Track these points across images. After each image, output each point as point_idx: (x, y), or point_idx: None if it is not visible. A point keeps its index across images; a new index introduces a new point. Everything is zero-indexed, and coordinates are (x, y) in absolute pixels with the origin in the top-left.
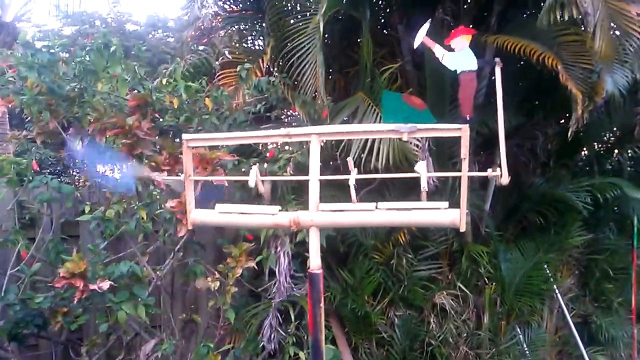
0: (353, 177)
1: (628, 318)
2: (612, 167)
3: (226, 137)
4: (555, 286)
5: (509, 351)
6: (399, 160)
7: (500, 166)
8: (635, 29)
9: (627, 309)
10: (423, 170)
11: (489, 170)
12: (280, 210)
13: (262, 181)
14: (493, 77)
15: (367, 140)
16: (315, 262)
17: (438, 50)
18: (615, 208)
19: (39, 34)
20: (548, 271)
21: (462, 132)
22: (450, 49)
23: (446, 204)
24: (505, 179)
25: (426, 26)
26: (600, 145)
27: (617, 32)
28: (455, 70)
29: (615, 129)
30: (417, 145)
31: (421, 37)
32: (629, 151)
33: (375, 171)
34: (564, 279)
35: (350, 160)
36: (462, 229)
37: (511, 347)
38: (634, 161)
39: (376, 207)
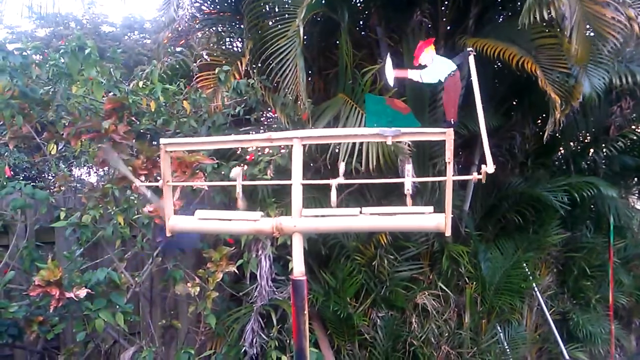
0: (336, 181)
1: (605, 314)
2: (588, 166)
3: (205, 141)
4: (534, 284)
5: (490, 349)
6: (389, 163)
7: (484, 158)
8: (611, 32)
9: (604, 305)
10: (409, 173)
11: (474, 173)
12: (262, 216)
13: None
14: (470, 78)
15: (354, 143)
16: (298, 268)
17: (413, 74)
18: (592, 206)
19: (11, 35)
20: (527, 270)
21: (447, 136)
22: (422, 66)
23: (431, 208)
24: (490, 168)
25: (389, 61)
26: (576, 145)
27: (592, 34)
28: (440, 80)
29: (590, 128)
30: (409, 147)
31: (391, 73)
32: (604, 150)
33: (356, 173)
34: (542, 277)
35: (341, 165)
36: (448, 233)
37: (492, 346)
38: (609, 160)
39: (360, 212)
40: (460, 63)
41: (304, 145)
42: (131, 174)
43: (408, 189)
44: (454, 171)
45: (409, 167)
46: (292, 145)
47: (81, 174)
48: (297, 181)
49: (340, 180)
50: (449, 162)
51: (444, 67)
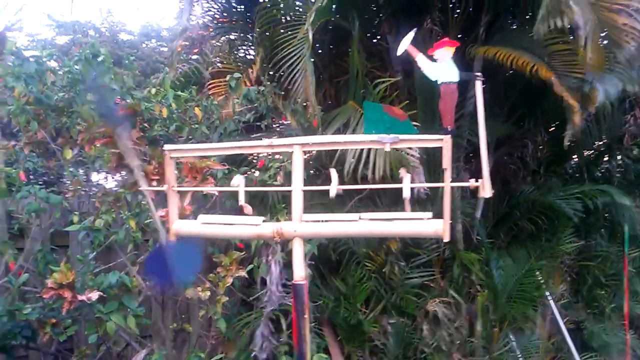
0: (334, 187)
1: (621, 324)
2: (601, 174)
3: (208, 147)
4: (547, 293)
5: (502, 358)
6: (394, 171)
7: (482, 179)
8: (625, 39)
9: (619, 315)
10: (407, 179)
11: (472, 180)
12: (264, 221)
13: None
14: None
15: (362, 150)
16: (299, 273)
17: (420, 60)
18: (606, 215)
19: (31, 43)
20: (540, 278)
21: (444, 142)
22: (433, 59)
23: (430, 214)
24: (488, 193)
25: (411, 34)
26: (589, 153)
27: (606, 42)
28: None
29: (604, 136)
30: (414, 155)
31: (405, 44)
32: (618, 159)
33: (364, 180)
34: (556, 285)
35: (333, 172)
36: (446, 238)
37: (504, 354)
38: (623, 168)
39: (359, 218)
40: (464, 81)
41: (311, 152)
42: (142, 177)
43: (406, 195)
44: (465, 179)
45: (403, 174)
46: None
47: (98, 180)
48: (297, 187)
49: (342, 186)
50: (447, 169)
51: (448, 73)
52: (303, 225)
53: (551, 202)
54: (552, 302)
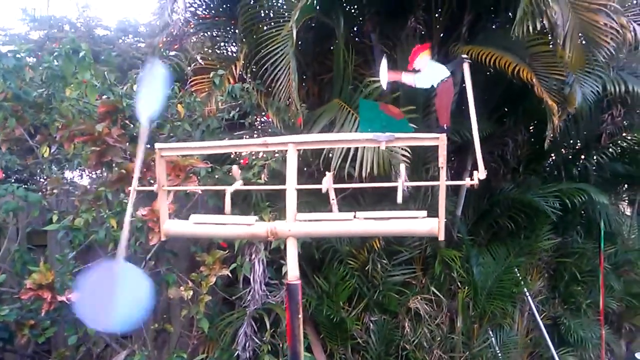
0: (325, 185)
1: (596, 319)
2: (579, 172)
3: (201, 146)
4: (525, 289)
5: (482, 354)
6: (383, 170)
7: (476, 164)
8: (605, 39)
9: (595, 310)
10: (402, 175)
11: (467, 179)
12: (256, 220)
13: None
14: (463, 84)
15: (349, 148)
16: (293, 272)
17: (407, 78)
18: (582, 212)
19: (4, 38)
20: (519, 274)
21: (440, 141)
22: (417, 71)
23: (424, 213)
24: (482, 174)
25: (384, 64)
26: (567, 152)
27: (585, 42)
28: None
29: (582, 135)
30: (404, 155)
31: (385, 75)
32: (595, 157)
33: (350, 178)
34: (534, 282)
35: (329, 176)
36: (441, 237)
37: (484, 350)
38: (599, 167)
39: (354, 217)
40: (454, 70)
41: (298, 150)
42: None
43: (404, 189)
44: (447, 177)
45: (402, 170)
46: (286, 150)
47: (73, 177)
48: (291, 186)
49: (334, 185)
50: (442, 167)
51: (437, 73)
52: (297, 225)
53: (530, 200)
54: (530, 298)
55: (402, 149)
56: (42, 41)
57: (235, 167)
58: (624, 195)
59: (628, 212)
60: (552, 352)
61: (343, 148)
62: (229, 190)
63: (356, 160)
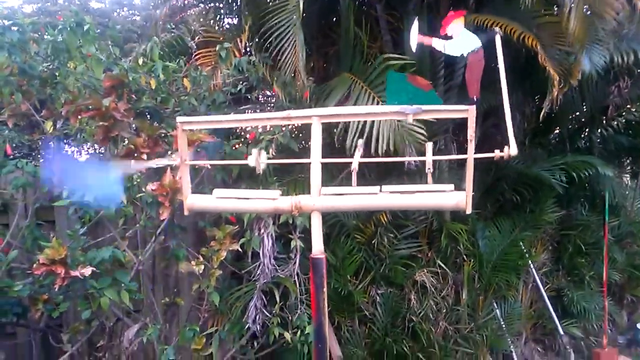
0: (357, 160)
1: (599, 291)
2: (585, 145)
3: (222, 119)
4: (530, 262)
5: (487, 325)
6: (398, 145)
7: (508, 140)
8: (610, 12)
9: (598, 282)
10: (429, 152)
11: (496, 151)
12: (280, 194)
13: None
14: (494, 64)
15: (364, 124)
16: (317, 247)
17: (437, 43)
18: (587, 185)
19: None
20: (523, 247)
21: (469, 113)
22: (448, 38)
23: (451, 186)
24: (513, 149)
25: (416, 25)
26: (573, 124)
27: (590, 12)
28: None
29: (588, 108)
30: (421, 133)
31: (415, 37)
32: (599, 130)
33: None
34: (538, 254)
35: (360, 144)
36: (468, 211)
37: (489, 322)
38: (604, 139)
39: (380, 191)
40: (485, 42)
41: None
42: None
43: (429, 168)
44: (452, 150)
45: (428, 146)
46: (293, 124)
47: (72, 152)
48: (316, 160)
49: (361, 159)
50: (471, 140)
51: (468, 42)
52: (322, 199)
53: (536, 174)
54: (534, 271)
55: (415, 125)
56: (36, 14)
57: (360, 142)
58: (627, 168)
59: (631, 185)
60: (556, 323)
61: (359, 123)
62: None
63: (372, 136)
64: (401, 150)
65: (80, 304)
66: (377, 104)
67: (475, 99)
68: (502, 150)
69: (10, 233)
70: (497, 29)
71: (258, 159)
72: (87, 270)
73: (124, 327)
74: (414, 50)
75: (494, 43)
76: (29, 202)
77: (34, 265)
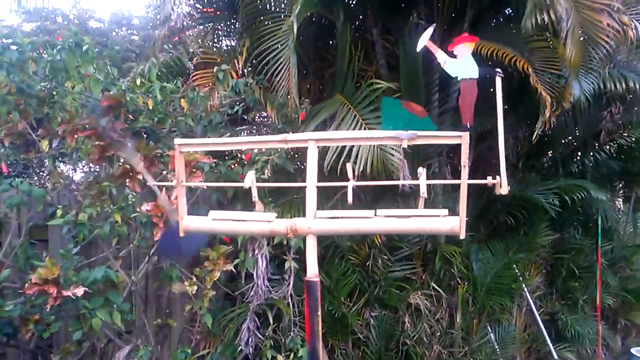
0: (351, 183)
1: (593, 315)
2: (577, 169)
3: (220, 142)
4: (524, 285)
5: (481, 349)
6: (376, 167)
7: (500, 176)
8: (604, 39)
9: (592, 306)
10: (423, 176)
11: (489, 178)
12: (276, 217)
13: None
14: (492, 89)
15: (344, 146)
16: (312, 269)
17: (440, 56)
18: (580, 209)
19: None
20: (517, 270)
21: (463, 139)
22: (453, 55)
23: (445, 211)
24: (504, 189)
25: (430, 30)
26: (565, 148)
27: (586, 38)
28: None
29: (580, 132)
30: (399, 155)
31: (424, 40)
32: (592, 154)
33: (343, 175)
34: (532, 277)
35: (349, 166)
36: (462, 236)
37: (483, 345)
38: (596, 164)
39: (375, 215)
40: (482, 76)
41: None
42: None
43: (423, 192)
44: (446, 173)
45: (422, 171)
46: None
47: (67, 170)
48: (312, 183)
49: (356, 182)
50: (464, 166)
51: (468, 69)
52: (317, 222)
53: (529, 197)
54: (528, 294)
55: (392, 148)
56: (35, 33)
57: (249, 175)
58: (619, 192)
59: (624, 209)
60: (550, 347)
61: (338, 146)
62: (254, 187)
63: (352, 157)
64: (380, 172)
65: (72, 325)
66: (362, 126)
67: (468, 126)
68: (494, 178)
69: (3, 252)
70: (498, 70)
71: (253, 182)
72: (80, 290)
73: (115, 349)
74: (418, 49)
75: (493, 79)
76: (23, 221)
77: (26, 285)
